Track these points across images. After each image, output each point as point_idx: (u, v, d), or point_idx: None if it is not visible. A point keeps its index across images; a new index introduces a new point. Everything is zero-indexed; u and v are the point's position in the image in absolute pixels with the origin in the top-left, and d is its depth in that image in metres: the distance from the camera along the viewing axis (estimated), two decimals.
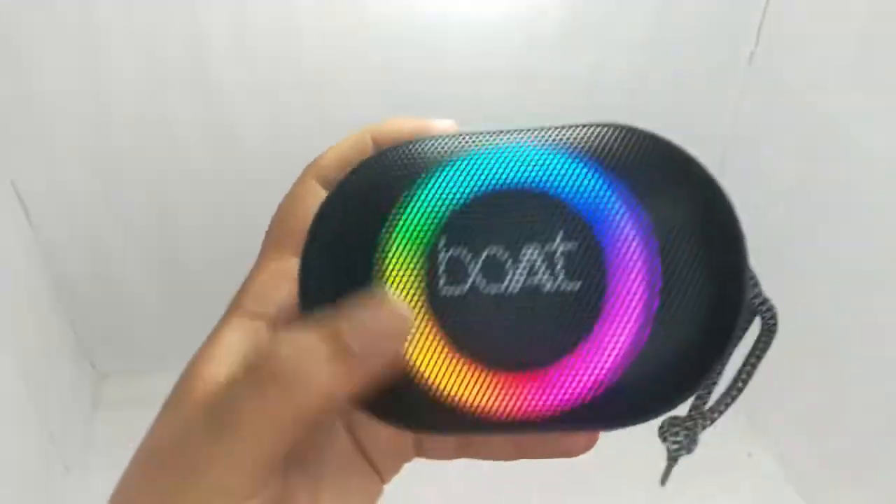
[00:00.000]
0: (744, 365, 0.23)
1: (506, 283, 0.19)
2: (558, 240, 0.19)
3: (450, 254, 0.19)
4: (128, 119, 0.65)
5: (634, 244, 0.18)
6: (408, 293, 0.19)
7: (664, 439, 0.23)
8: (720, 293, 0.18)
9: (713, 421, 0.23)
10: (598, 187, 0.19)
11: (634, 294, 0.18)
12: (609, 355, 0.18)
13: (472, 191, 0.20)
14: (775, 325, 0.22)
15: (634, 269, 0.18)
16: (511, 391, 0.19)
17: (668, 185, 0.19)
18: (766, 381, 0.81)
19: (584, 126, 0.20)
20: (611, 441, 0.25)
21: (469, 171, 0.20)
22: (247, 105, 0.66)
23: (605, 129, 0.20)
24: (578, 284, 0.18)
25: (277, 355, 0.18)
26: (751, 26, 0.68)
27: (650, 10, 0.67)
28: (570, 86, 0.70)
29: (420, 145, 0.21)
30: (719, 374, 0.21)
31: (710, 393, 0.23)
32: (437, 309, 0.19)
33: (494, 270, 0.19)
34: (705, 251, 0.18)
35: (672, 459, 0.24)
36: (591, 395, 0.19)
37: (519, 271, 0.19)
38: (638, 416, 0.19)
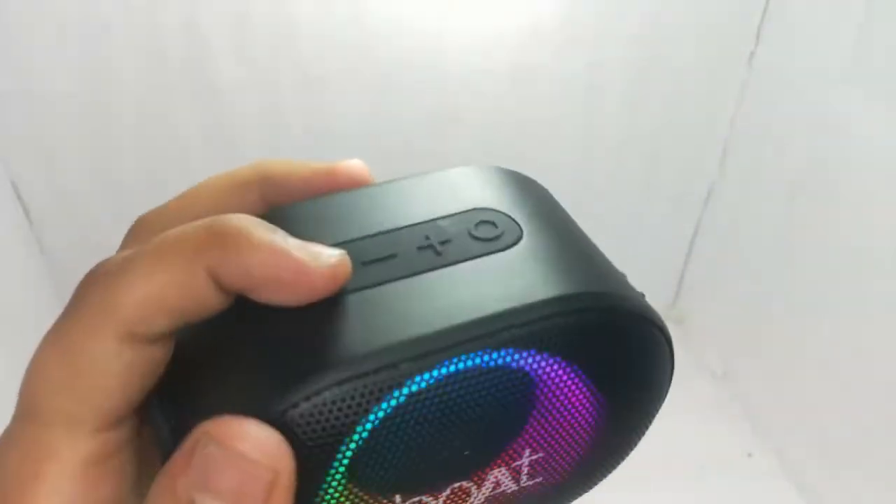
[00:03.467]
0: None
1: (471, 501, 0.17)
2: (525, 456, 0.17)
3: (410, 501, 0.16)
4: (128, 119, 0.65)
5: (596, 435, 0.18)
6: None
7: None
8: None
9: None
10: (570, 391, 0.16)
11: (579, 443, 0.18)
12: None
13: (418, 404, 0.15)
14: None
15: (589, 445, 0.18)
16: None
17: (635, 378, 0.18)
18: (766, 382, 0.81)
19: (557, 315, 0.16)
20: None
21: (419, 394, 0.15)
22: (247, 105, 0.66)
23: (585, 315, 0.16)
24: (540, 479, 0.18)
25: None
26: (751, 26, 0.68)
27: (650, 10, 0.67)
28: (569, 86, 0.70)
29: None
30: None
31: None
32: None
33: (459, 498, 0.17)
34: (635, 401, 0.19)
35: None
36: None
37: (483, 490, 0.17)
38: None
